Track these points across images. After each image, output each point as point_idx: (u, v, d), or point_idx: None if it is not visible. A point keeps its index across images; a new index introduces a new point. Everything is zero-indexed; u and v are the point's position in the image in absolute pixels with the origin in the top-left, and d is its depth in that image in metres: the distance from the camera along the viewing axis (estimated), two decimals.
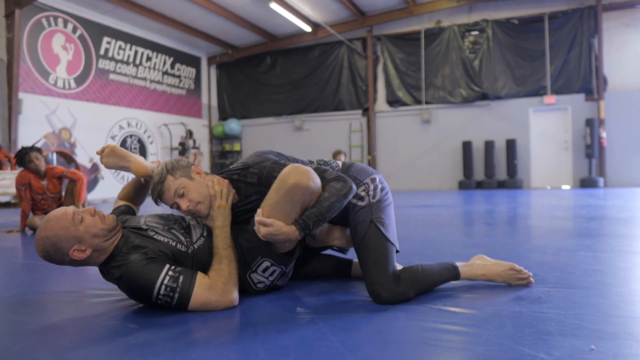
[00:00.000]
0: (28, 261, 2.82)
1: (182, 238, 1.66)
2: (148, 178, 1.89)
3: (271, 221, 1.49)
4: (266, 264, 1.69)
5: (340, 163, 1.82)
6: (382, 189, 1.74)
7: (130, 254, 1.55)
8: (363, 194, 1.70)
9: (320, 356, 1.15)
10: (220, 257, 1.61)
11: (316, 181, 1.51)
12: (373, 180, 1.74)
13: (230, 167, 1.75)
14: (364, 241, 1.63)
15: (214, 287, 1.54)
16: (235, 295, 1.58)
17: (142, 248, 1.57)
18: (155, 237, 1.62)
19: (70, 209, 1.55)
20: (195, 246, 1.66)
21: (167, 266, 1.53)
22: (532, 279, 1.80)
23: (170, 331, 1.38)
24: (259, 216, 1.51)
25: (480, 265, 1.77)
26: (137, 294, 1.54)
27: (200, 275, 1.56)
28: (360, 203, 1.69)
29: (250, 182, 1.66)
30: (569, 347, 1.16)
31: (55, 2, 10.35)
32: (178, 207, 1.66)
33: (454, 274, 1.72)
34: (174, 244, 1.62)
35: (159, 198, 1.67)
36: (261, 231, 1.50)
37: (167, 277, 1.50)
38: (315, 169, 1.60)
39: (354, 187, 1.58)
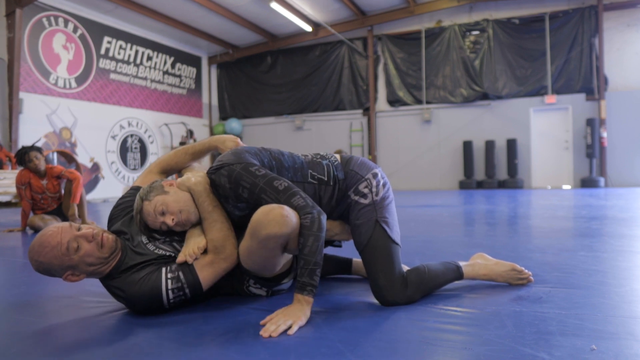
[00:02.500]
0: (28, 260, 2.81)
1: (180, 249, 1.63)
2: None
3: (289, 323, 1.35)
4: (252, 281, 1.69)
5: (338, 157, 1.76)
6: (384, 185, 1.68)
7: (128, 273, 1.53)
8: (366, 190, 1.65)
9: (320, 356, 1.15)
10: (208, 224, 1.57)
11: (290, 224, 1.39)
12: (375, 175, 1.68)
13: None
14: (370, 244, 1.59)
15: (215, 261, 1.54)
16: (236, 253, 1.57)
17: (138, 265, 1.55)
18: (155, 251, 1.60)
19: (67, 235, 1.47)
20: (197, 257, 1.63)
21: (164, 270, 1.52)
22: (531, 278, 1.80)
23: (172, 331, 1.38)
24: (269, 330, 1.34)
25: (482, 264, 1.77)
26: (148, 309, 1.52)
27: (196, 261, 1.55)
28: (363, 201, 1.64)
29: (222, 184, 1.56)
30: (569, 347, 1.16)
31: (56, 2, 10.35)
32: (167, 227, 1.57)
33: (458, 274, 1.72)
34: (174, 256, 1.60)
35: (144, 228, 1.60)
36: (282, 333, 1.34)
37: (169, 281, 1.50)
38: (284, 191, 1.47)
39: (323, 217, 1.45)
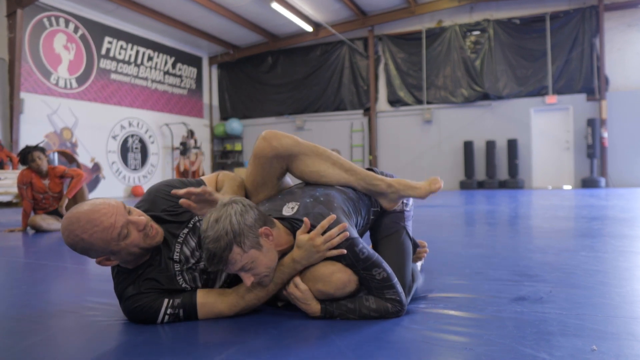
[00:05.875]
0: (29, 260, 2.82)
1: (200, 285, 1.50)
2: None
3: (306, 289, 1.41)
4: None
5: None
6: (412, 204, 1.80)
7: (141, 282, 1.44)
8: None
9: (321, 355, 1.15)
10: (253, 291, 1.45)
11: (346, 291, 1.40)
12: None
13: (300, 209, 1.47)
14: (393, 236, 1.64)
15: (223, 314, 1.47)
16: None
17: (153, 281, 1.44)
18: (177, 278, 1.46)
19: (121, 219, 1.32)
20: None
21: (166, 303, 1.43)
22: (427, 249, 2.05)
23: (172, 331, 1.38)
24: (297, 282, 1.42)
25: None
26: (138, 322, 1.46)
27: (201, 304, 1.45)
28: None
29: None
30: (570, 347, 1.16)
31: (57, 2, 10.37)
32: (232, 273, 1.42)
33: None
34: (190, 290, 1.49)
35: (217, 268, 1.32)
36: (293, 292, 1.42)
37: (167, 316, 1.43)
38: (381, 281, 1.40)
39: (402, 314, 1.45)
